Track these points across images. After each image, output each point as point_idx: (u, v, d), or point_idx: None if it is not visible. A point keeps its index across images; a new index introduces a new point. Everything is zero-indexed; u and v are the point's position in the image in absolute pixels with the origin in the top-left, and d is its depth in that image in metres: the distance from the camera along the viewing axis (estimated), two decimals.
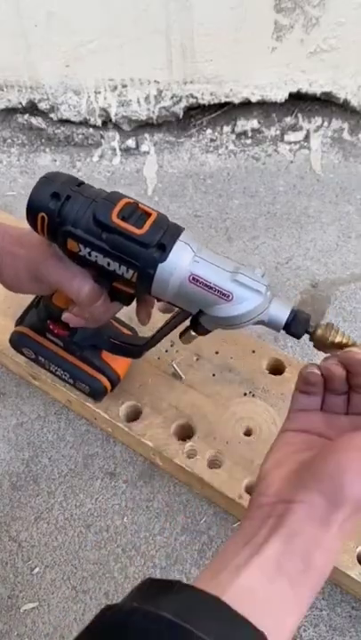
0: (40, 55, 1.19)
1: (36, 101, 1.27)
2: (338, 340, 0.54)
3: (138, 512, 0.79)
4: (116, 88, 1.24)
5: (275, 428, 0.76)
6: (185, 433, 0.78)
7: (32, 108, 1.29)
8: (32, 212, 0.56)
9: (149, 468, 0.83)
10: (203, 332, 0.60)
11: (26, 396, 0.91)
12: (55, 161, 1.31)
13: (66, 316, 0.67)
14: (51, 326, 0.75)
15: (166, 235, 0.55)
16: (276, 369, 0.83)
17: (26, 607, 0.73)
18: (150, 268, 0.55)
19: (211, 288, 0.54)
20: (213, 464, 0.75)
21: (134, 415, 0.80)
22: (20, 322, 0.81)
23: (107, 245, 0.55)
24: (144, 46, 1.17)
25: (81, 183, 0.57)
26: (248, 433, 0.76)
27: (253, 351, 0.84)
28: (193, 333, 0.61)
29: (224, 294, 0.55)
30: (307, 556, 0.39)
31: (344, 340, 0.54)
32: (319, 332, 0.56)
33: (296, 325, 0.57)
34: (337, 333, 0.55)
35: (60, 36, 1.16)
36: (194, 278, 0.55)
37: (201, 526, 0.78)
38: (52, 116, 1.29)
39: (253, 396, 0.80)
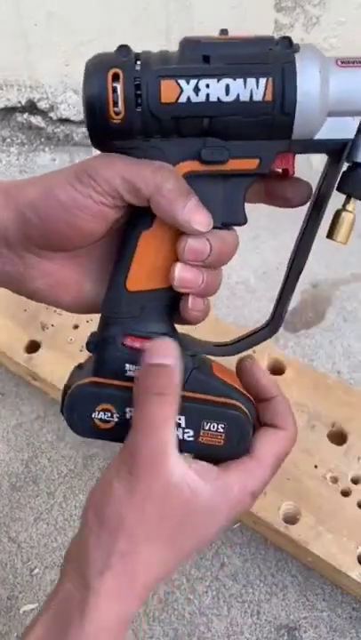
0: (40, 54, 1.19)
1: (35, 100, 1.27)
2: None
3: None
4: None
5: None
6: None
7: (31, 108, 1.29)
8: (98, 75, 0.41)
9: None
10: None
11: (25, 396, 0.91)
12: (54, 160, 1.31)
13: (179, 273, 0.39)
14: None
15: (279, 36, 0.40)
16: (277, 369, 0.82)
17: (25, 608, 0.73)
18: (289, 62, 0.38)
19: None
20: None
21: None
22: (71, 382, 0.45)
23: (219, 64, 0.38)
24: (144, 46, 1.16)
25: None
26: None
27: (254, 351, 0.83)
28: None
29: None
30: (66, 633, 0.37)
31: None
32: None
33: None
34: None
35: (60, 36, 1.16)
36: (342, 61, 0.39)
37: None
38: (51, 115, 1.28)
39: None
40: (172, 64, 0.40)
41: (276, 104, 0.38)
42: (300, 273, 0.46)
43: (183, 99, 0.38)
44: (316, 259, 1.08)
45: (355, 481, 0.71)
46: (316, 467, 0.72)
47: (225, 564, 0.74)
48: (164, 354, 0.38)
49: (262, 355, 0.83)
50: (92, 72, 0.41)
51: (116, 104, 0.39)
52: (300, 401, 0.78)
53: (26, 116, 1.30)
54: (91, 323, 0.88)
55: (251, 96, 0.38)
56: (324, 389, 0.79)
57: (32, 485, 0.82)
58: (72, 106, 1.25)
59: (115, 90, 0.40)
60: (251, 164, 0.41)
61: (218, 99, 0.38)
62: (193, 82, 0.38)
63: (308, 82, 0.38)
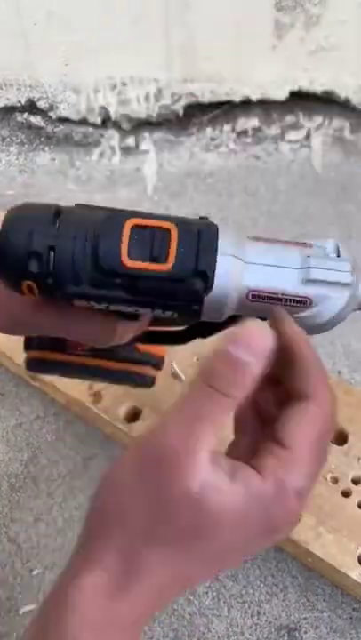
0: (39, 54, 1.19)
1: (35, 100, 1.26)
2: None
3: None
4: (115, 86, 1.23)
5: None
6: None
7: (31, 107, 1.29)
8: (12, 282, 0.39)
9: None
10: None
11: (25, 396, 0.91)
12: (54, 160, 1.30)
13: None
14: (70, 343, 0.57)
15: (201, 254, 0.39)
16: None
17: (25, 609, 0.73)
18: (195, 304, 0.40)
19: (280, 300, 0.41)
20: None
21: (134, 416, 0.80)
22: (28, 345, 0.61)
23: (127, 294, 0.39)
24: (144, 44, 1.16)
25: (58, 211, 0.39)
26: None
27: None
28: None
29: (299, 302, 0.41)
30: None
31: None
32: None
33: None
34: None
35: (60, 35, 1.15)
36: (253, 295, 0.40)
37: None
38: (51, 114, 1.28)
39: None
40: (86, 279, 0.39)
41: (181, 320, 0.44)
42: None
43: (96, 308, 0.41)
44: None
45: (355, 481, 0.71)
46: None
47: None
48: (256, 348, 0.34)
49: None
50: (6, 269, 0.40)
51: (34, 296, 0.41)
52: None
53: (25, 115, 1.30)
54: None
55: (159, 316, 0.42)
56: None
57: (31, 486, 0.82)
58: (72, 105, 1.25)
59: (31, 290, 0.40)
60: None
61: (127, 312, 0.42)
62: (105, 304, 0.41)
63: (212, 317, 0.42)
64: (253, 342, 0.33)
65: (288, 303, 0.41)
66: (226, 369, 0.33)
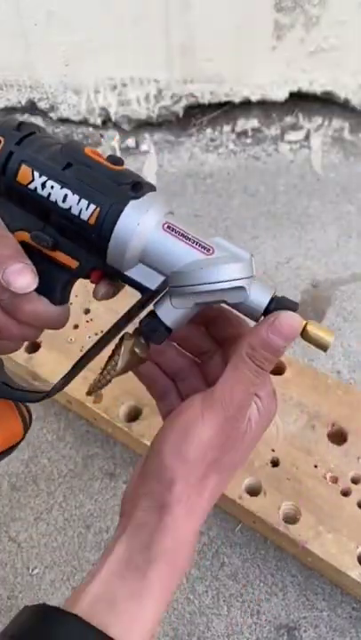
0: (40, 54, 1.19)
1: (35, 100, 1.27)
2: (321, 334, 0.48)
3: None
4: (115, 87, 1.24)
5: (275, 428, 0.76)
6: None
7: (32, 108, 1.29)
8: None
9: None
10: (157, 336, 0.47)
11: None
12: None
13: None
14: None
15: (141, 181, 0.45)
16: (277, 369, 0.82)
17: None
18: (121, 204, 0.44)
19: (189, 239, 0.45)
20: None
21: (134, 415, 0.80)
22: None
23: (71, 175, 0.44)
24: (144, 45, 1.17)
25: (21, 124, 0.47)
26: None
27: None
28: (142, 342, 0.48)
29: (204, 247, 0.45)
30: (151, 544, 0.40)
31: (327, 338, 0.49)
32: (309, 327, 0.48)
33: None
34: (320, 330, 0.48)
35: (60, 36, 1.16)
36: (169, 226, 0.45)
37: (201, 527, 0.77)
38: (51, 115, 1.28)
39: None
40: (46, 155, 0.45)
41: (96, 230, 0.44)
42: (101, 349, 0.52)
43: (32, 186, 0.45)
44: (315, 259, 1.09)
45: (355, 481, 0.71)
46: (316, 466, 0.72)
47: (225, 564, 0.74)
48: (291, 333, 0.43)
49: None
50: None
51: None
52: (300, 401, 0.78)
53: (26, 116, 1.30)
54: (91, 323, 0.88)
55: (79, 213, 0.44)
56: (324, 389, 0.79)
57: (32, 485, 0.82)
58: (72, 106, 1.25)
59: None
60: (72, 262, 0.47)
61: (56, 201, 0.44)
62: (44, 178, 0.45)
63: (126, 227, 0.44)
64: (287, 330, 0.43)
65: (195, 245, 0.45)
66: (267, 354, 0.43)
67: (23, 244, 0.46)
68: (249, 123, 1.29)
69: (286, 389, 0.79)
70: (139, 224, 0.44)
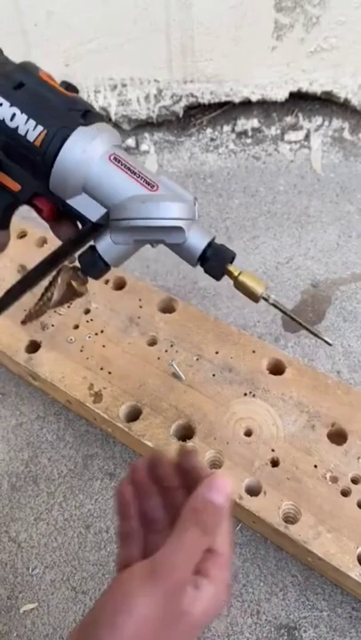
0: (40, 54, 1.19)
1: None
2: (252, 284, 0.47)
3: None
4: (115, 87, 1.24)
5: (275, 428, 0.76)
6: (185, 433, 0.78)
7: None
8: None
9: None
10: (96, 271, 0.47)
11: (25, 396, 0.91)
12: None
13: None
14: None
15: (93, 111, 0.45)
16: (277, 369, 0.82)
17: (25, 608, 0.73)
18: (68, 128, 0.44)
19: (134, 173, 0.44)
20: (214, 464, 0.74)
21: (134, 415, 0.80)
22: None
23: (22, 95, 0.44)
24: (144, 45, 1.17)
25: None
26: (248, 433, 0.76)
27: (254, 351, 0.84)
28: (80, 275, 0.48)
29: (149, 183, 0.45)
30: None
31: (259, 289, 0.47)
32: (242, 277, 0.47)
33: (216, 259, 0.47)
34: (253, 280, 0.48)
35: (60, 36, 1.15)
36: (115, 158, 0.44)
37: None
38: None
39: (254, 396, 0.79)
40: (2, 74, 0.44)
41: (41, 152, 0.44)
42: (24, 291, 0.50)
43: None
44: (315, 259, 1.09)
45: (354, 481, 0.71)
46: (315, 466, 0.72)
47: None
48: (225, 492, 0.40)
49: (263, 354, 0.83)
50: None
51: None
52: (299, 401, 0.78)
53: None
54: (91, 322, 0.88)
55: (26, 133, 0.44)
56: (324, 389, 0.79)
57: (32, 485, 0.82)
58: None
59: None
60: (15, 185, 0.46)
61: (3, 119, 0.44)
62: None
63: (71, 152, 0.43)
64: (224, 485, 0.40)
65: (139, 180, 0.44)
66: (212, 518, 0.40)
67: None
68: (249, 123, 1.29)
69: (286, 389, 0.80)
70: (84, 151, 0.43)
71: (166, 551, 0.39)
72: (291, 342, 0.95)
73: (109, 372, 0.83)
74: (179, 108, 1.28)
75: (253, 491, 0.71)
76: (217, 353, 0.84)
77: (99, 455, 0.84)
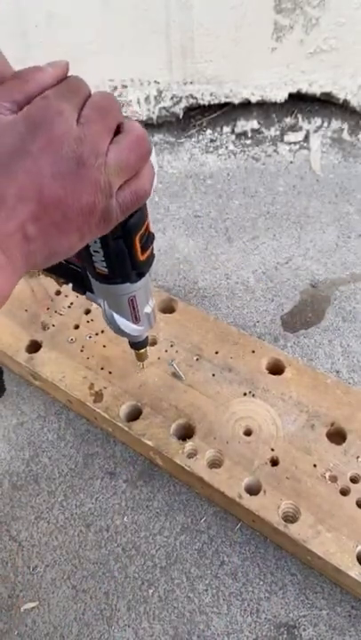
0: (40, 55, 1.19)
1: None
2: None
3: (138, 512, 0.79)
4: (116, 88, 1.24)
5: (274, 428, 0.76)
6: (185, 432, 0.78)
7: None
8: None
9: (149, 468, 0.83)
10: None
11: (26, 395, 0.92)
12: None
13: None
14: None
15: None
16: (276, 369, 0.83)
17: (26, 606, 0.73)
18: None
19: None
20: (213, 464, 0.75)
21: (134, 415, 0.80)
22: None
23: None
24: (144, 46, 1.17)
25: None
26: (248, 433, 0.76)
27: (253, 351, 0.84)
28: None
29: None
30: None
31: None
32: None
33: None
34: None
35: (60, 37, 1.16)
36: None
37: (201, 526, 0.78)
38: None
39: (253, 395, 0.80)
40: None
41: None
42: None
43: None
44: (315, 259, 1.10)
45: (354, 480, 0.71)
46: (315, 466, 0.73)
47: (225, 563, 0.75)
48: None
49: (262, 354, 0.84)
50: None
51: None
52: (299, 400, 0.79)
53: None
54: (91, 323, 0.88)
55: None
56: (323, 389, 0.80)
57: (33, 484, 0.83)
58: None
59: None
60: None
61: None
62: None
63: None
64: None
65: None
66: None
67: None
68: (249, 124, 1.29)
69: (286, 389, 0.80)
70: None
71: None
72: (290, 342, 0.96)
73: (110, 372, 0.83)
74: (179, 110, 1.28)
75: (253, 490, 0.72)
76: (217, 353, 0.84)
77: (99, 454, 0.85)
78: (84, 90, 0.38)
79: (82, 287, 0.59)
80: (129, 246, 0.49)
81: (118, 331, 0.61)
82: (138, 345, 0.71)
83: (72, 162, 0.35)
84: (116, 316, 0.59)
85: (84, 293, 0.59)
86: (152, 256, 0.53)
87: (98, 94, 0.38)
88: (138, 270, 0.53)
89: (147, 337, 0.70)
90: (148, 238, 0.50)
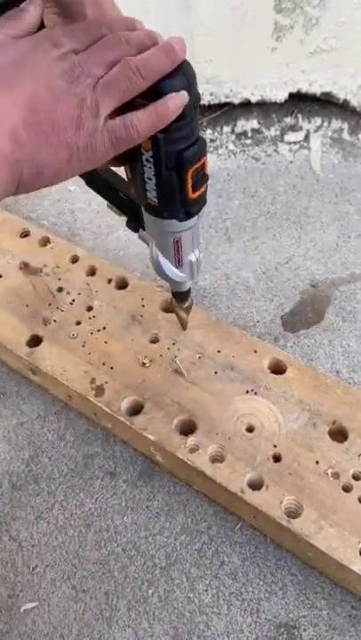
0: None
1: None
2: None
3: (138, 512, 0.79)
4: None
5: (277, 425, 0.76)
6: (187, 428, 0.78)
7: None
8: None
9: (149, 468, 0.82)
10: None
11: (26, 395, 0.91)
12: None
13: None
14: None
15: None
16: (278, 368, 0.83)
17: (26, 607, 0.73)
18: None
19: None
20: (216, 459, 0.74)
21: (136, 410, 0.80)
22: None
23: None
24: None
25: None
26: (250, 429, 0.76)
27: (255, 351, 0.84)
28: None
29: None
30: None
31: None
32: None
33: None
34: None
35: None
36: None
37: (201, 526, 0.77)
38: None
39: (256, 393, 0.79)
40: None
41: None
42: None
43: None
44: (315, 259, 1.09)
45: (356, 477, 0.71)
46: (317, 463, 0.72)
47: (225, 563, 0.74)
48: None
49: (264, 354, 0.83)
50: None
51: None
52: (301, 399, 0.78)
53: None
54: (93, 319, 0.88)
55: None
56: (324, 388, 0.79)
57: (33, 484, 0.82)
58: None
59: None
60: None
61: None
62: None
63: None
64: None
65: None
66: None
67: None
68: (249, 124, 1.29)
69: (288, 388, 0.80)
70: None
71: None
72: (290, 342, 0.95)
73: (111, 368, 0.83)
74: None
75: (255, 485, 0.71)
76: (219, 352, 0.84)
77: (99, 454, 0.84)
78: (95, 34, 0.44)
79: (136, 222, 0.60)
80: (181, 179, 0.49)
81: (160, 272, 0.61)
82: (179, 296, 0.70)
83: (64, 78, 0.40)
84: (160, 257, 0.59)
85: (136, 230, 0.61)
86: (203, 198, 0.54)
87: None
88: (186, 208, 0.53)
89: (189, 289, 0.70)
90: (203, 178, 0.51)
